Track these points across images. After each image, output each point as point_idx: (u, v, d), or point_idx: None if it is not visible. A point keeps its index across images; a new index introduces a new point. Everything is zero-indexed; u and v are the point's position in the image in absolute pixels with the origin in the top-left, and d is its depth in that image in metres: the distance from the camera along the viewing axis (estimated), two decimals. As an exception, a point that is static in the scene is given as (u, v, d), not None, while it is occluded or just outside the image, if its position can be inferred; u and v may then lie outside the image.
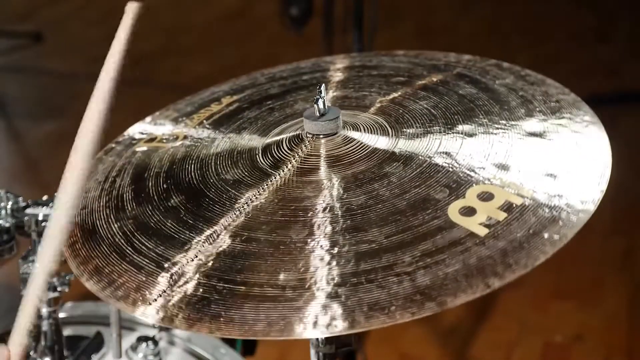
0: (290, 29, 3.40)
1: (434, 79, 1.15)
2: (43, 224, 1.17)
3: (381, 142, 1.01)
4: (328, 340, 1.02)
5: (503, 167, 0.96)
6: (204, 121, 1.17)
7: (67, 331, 1.31)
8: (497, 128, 1.03)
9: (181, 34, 4.32)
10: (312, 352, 1.04)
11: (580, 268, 2.46)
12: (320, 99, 1.02)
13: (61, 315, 1.28)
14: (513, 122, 1.03)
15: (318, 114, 1.02)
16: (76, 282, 1.10)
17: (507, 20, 4.10)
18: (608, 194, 0.92)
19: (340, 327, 0.81)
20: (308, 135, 1.03)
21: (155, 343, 1.30)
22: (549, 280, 2.39)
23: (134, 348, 1.30)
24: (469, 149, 0.99)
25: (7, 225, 1.19)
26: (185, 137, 1.14)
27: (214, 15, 4.41)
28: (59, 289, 1.18)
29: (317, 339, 1.02)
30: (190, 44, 4.19)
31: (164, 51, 4.14)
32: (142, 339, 1.30)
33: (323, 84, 1.02)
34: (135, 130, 1.20)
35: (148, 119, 1.23)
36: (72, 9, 4.59)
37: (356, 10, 2.61)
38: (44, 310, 1.20)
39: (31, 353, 1.23)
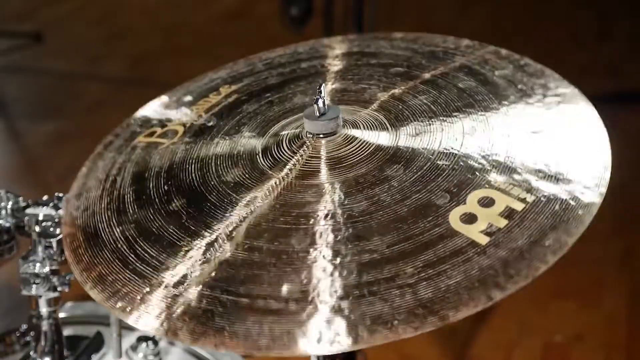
0: (290, 29, 3.40)
1: (433, 72, 1.14)
2: (43, 224, 1.17)
3: (381, 141, 1.01)
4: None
5: (503, 170, 0.95)
6: (203, 114, 1.16)
7: (67, 331, 1.31)
8: (497, 127, 1.02)
9: (181, 33, 4.32)
10: (312, 352, 1.04)
11: (580, 268, 2.46)
12: (320, 99, 1.01)
13: (61, 315, 1.28)
14: (512, 119, 1.03)
15: (318, 114, 1.02)
16: (76, 283, 1.10)
17: (507, 20, 4.10)
18: (608, 194, 0.92)
19: (344, 343, 0.81)
20: (308, 135, 1.02)
21: (155, 343, 1.30)
22: (548, 280, 2.38)
23: (134, 348, 1.30)
24: (468, 149, 0.98)
25: (7, 225, 1.19)
26: (184, 133, 1.13)
27: (214, 15, 4.41)
28: (59, 289, 1.18)
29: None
30: (190, 44, 4.19)
31: (164, 51, 4.14)
32: (142, 339, 1.30)
33: (323, 84, 1.02)
34: (136, 117, 1.19)
35: (148, 106, 1.22)
36: (72, 9, 4.59)
37: (356, 10, 2.61)
38: (44, 310, 1.20)
39: (31, 353, 1.23)
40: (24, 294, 1.18)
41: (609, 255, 2.55)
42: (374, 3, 2.66)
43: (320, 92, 1.01)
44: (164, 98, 1.24)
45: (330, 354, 1.01)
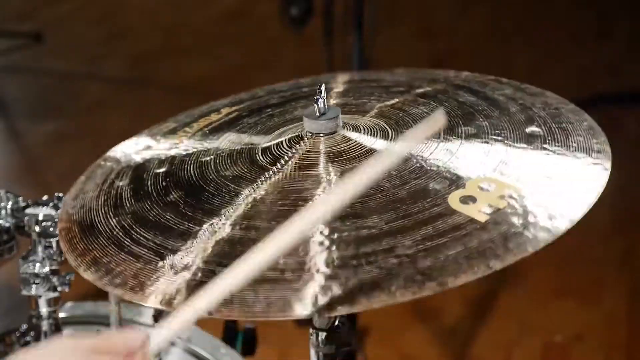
0: (290, 29, 3.40)
1: (434, 88, 1.16)
2: (43, 224, 1.17)
3: (381, 142, 1.02)
4: (328, 340, 1.02)
5: (503, 166, 0.96)
6: (204, 129, 1.17)
7: (67, 331, 1.31)
8: (497, 131, 1.03)
9: (181, 33, 4.32)
10: (312, 352, 1.04)
11: (581, 268, 2.46)
12: (320, 99, 1.02)
13: (61, 315, 1.28)
14: (512, 126, 1.04)
15: (318, 114, 1.02)
16: (76, 282, 1.10)
17: (507, 20, 4.10)
18: (608, 194, 0.92)
19: (339, 307, 0.81)
20: (308, 134, 1.03)
21: (155, 343, 1.30)
22: (549, 280, 2.39)
23: (134, 348, 1.30)
24: (469, 150, 1.00)
25: (7, 225, 1.19)
26: (184, 143, 1.14)
27: (214, 15, 4.41)
28: (59, 289, 1.18)
29: (317, 338, 1.02)
30: (190, 44, 4.19)
31: (164, 51, 4.14)
32: (142, 339, 1.30)
33: (323, 84, 1.03)
34: (132, 143, 1.19)
35: (145, 132, 1.22)
36: (72, 9, 4.59)
37: (356, 10, 2.61)
38: (44, 310, 1.20)
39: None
40: (24, 294, 1.19)
41: (609, 254, 2.55)
42: (374, 3, 2.67)
43: (320, 92, 1.02)
44: (164, 123, 1.24)
45: (331, 350, 1.02)
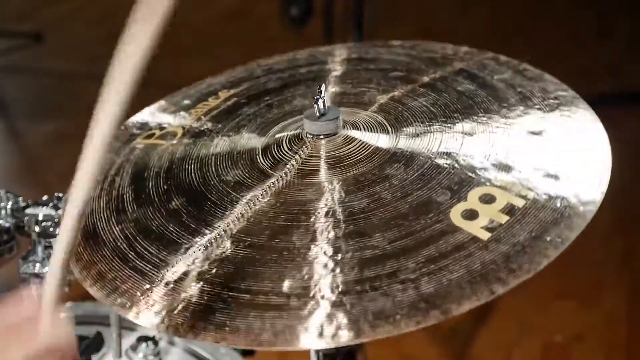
0: (290, 29, 3.40)
1: (432, 76, 1.15)
2: (43, 224, 1.17)
3: (381, 142, 1.01)
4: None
5: (504, 168, 0.95)
6: (202, 117, 1.16)
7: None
8: (497, 127, 1.02)
9: (181, 33, 4.32)
10: (312, 352, 1.04)
11: (581, 268, 2.46)
12: (320, 99, 1.01)
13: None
14: (512, 120, 1.03)
15: (318, 114, 1.02)
16: (76, 282, 1.10)
17: (507, 20, 4.10)
18: (608, 194, 0.92)
19: (345, 337, 0.81)
20: (308, 136, 1.02)
21: (155, 343, 1.30)
22: (549, 281, 2.39)
23: (134, 348, 1.30)
24: (469, 149, 0.99)
25: (7, 225, 1.19)
26: (183, 135, 1.14)
27: (214, 15, 4.41)
28: (59, 289, 1.18)
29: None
30: (190, 44, 4.18)
31: (164, 51, 4.12)
32: (142, 339, 1.30)
33: (323, 84, 1.02)
34: (134, 120, 1.19)
35: (146, 110, 1.22)
36: (72, 9, 4.59)
37: (356, 10, 2.61)
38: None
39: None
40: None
41: (609, 255, 2.55)
42: (374, 3, 2.67)
43: (320, 92, 1.01)
44: (161, 102, 1.24)
45: (331, 350, 1.02)
